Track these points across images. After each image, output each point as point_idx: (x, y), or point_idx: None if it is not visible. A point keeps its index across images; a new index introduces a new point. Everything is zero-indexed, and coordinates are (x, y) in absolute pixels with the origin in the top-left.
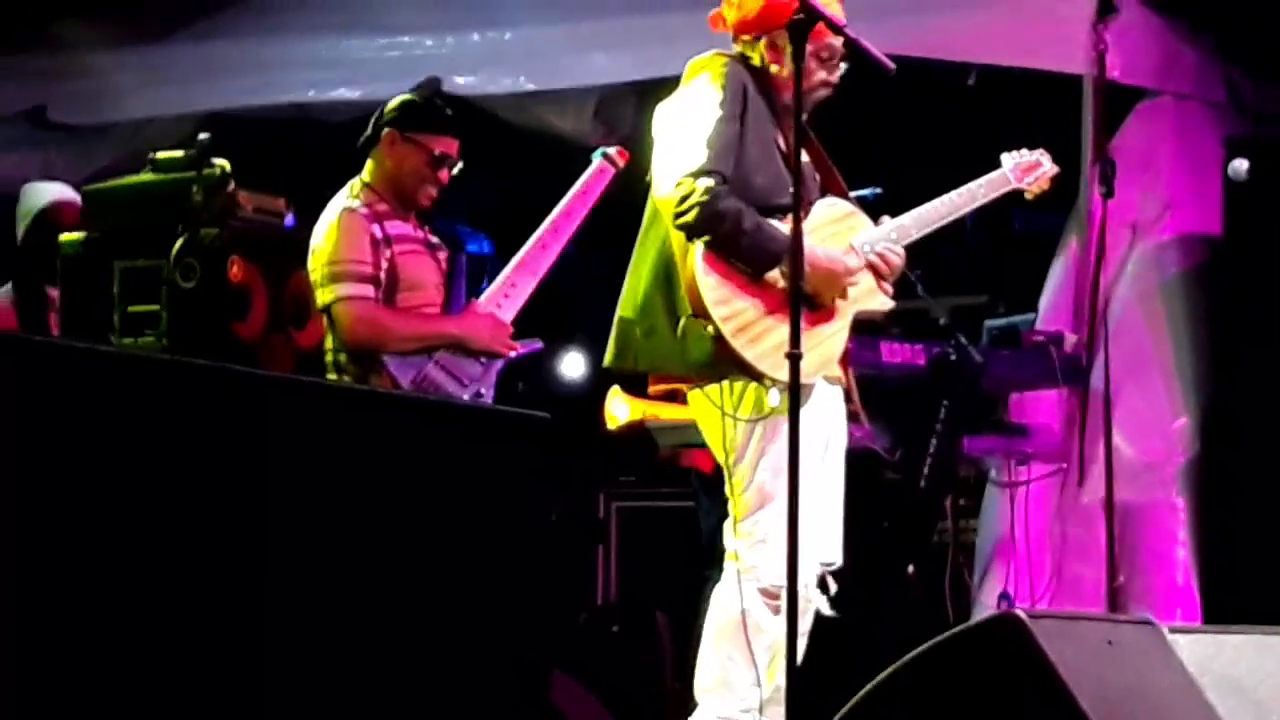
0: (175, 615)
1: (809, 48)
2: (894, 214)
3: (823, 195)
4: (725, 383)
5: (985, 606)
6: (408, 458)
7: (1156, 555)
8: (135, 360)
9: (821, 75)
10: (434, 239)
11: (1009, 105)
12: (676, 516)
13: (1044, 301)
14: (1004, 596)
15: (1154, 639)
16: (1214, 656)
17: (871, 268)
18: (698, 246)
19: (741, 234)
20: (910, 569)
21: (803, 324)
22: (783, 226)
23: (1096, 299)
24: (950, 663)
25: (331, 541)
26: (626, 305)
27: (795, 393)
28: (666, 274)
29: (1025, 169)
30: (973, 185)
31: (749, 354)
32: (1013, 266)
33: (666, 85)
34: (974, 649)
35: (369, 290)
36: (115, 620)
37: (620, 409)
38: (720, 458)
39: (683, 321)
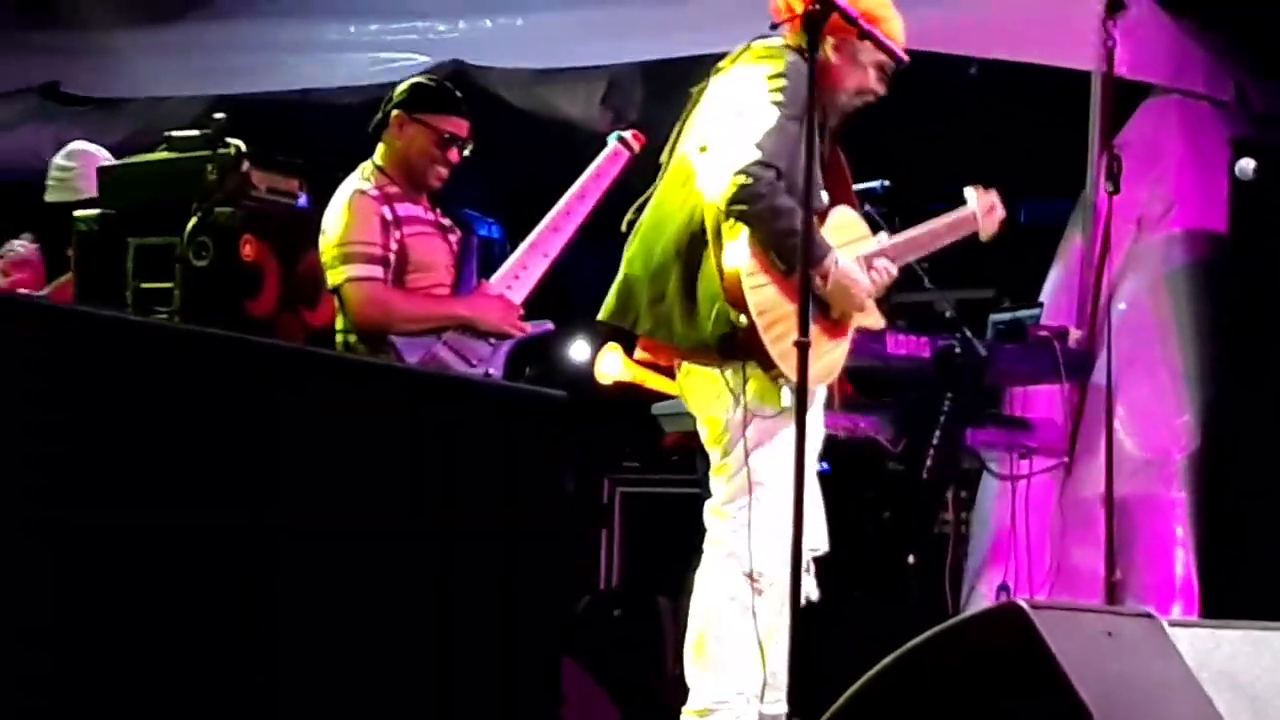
0: (187, 587)
1: (875, 57)
2: (897, 207)
3: (834, 202)
4: (734, 369)
5: (982, 597)
6: (426, 432)
7: (1156, 550)
8: (146, 328)
9: (872, 84)
10: (445, 221)
11: (1016, 98)
12: (680, 502)
13: (1048, 296)
14: (1003, 588)
15: (1154, 632)
16: (1212, 651)
17: (875, 288)
18: (743, 236)
19: (792, 233)
20: (911, 558)
21: (817, 333)
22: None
23: (1101, 294)
24: (952, 652)
25: (346, 516)
26: (636, 264)
27: (802, 379)
28: (690, 246)
29: (986, 208)
30: (940, 223)
31: (774, 350)
32: (1018, 260)
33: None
34: (976, 638)
35: (378, 271)
36: (124, 593)
37: (613, 366)
38: (713, 437)
39: (716, 305)
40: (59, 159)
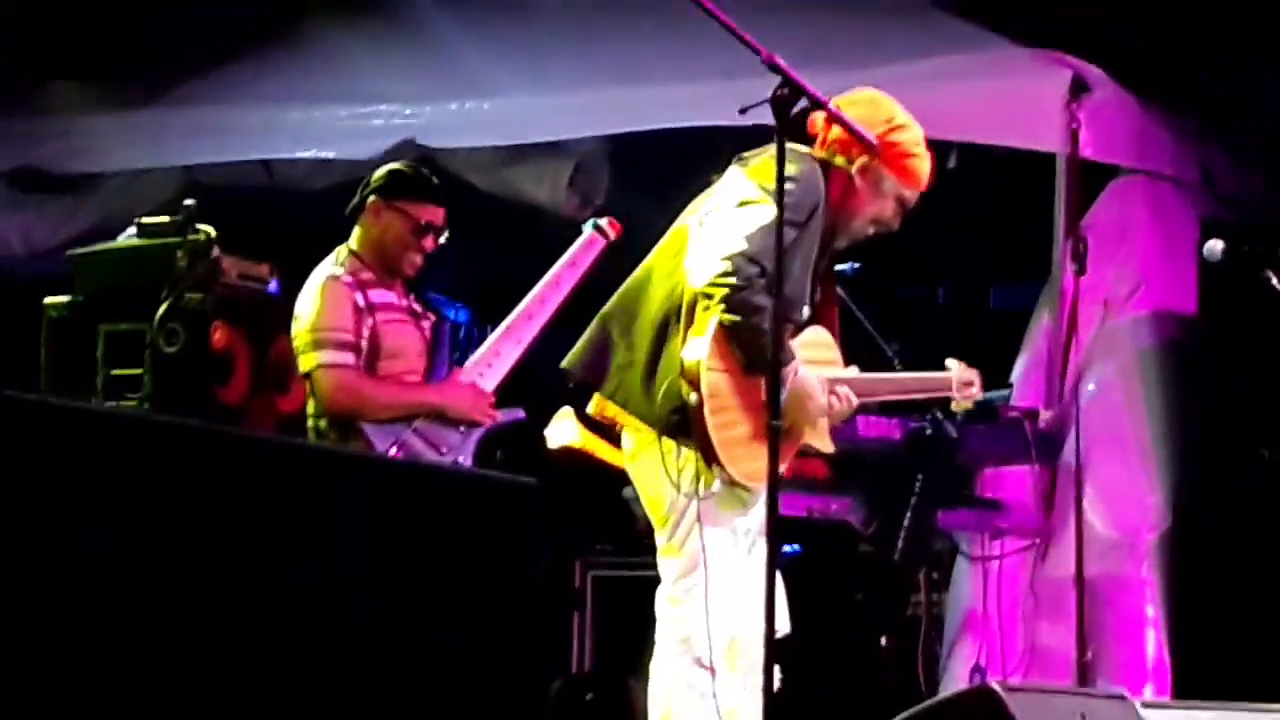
0: (154, 673)
1: (899, 191)
2: (867, 287)
3: (815, 321)
4: (676, 448)
5: (955, 678)
6: (395, 521)
7: (1127, 630)
8: (118, 419)
9: (890, 216)
10: (418, 307)
11: (986, 182)
12: (652, 585)
13: (1018, 377)
14: (977, 669)
15: (1127, 713)
16: None
17: (831, 410)
18: (709, 328)
19: (760, 333)
20: (884, 640)
21: (758, 438)
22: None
23: (1069, 375)
24: None
25: (315, 604)
26: (613, 323)
27: (774, 459)
28: (665, 321)
29: (964, 382)
30: (912, 378)
31: (716, 436)
32: (988, 342)
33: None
34: None
35: (349, 358)
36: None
37: (566, 432)
38: (657, 518)
39: (670, 380)
40: None
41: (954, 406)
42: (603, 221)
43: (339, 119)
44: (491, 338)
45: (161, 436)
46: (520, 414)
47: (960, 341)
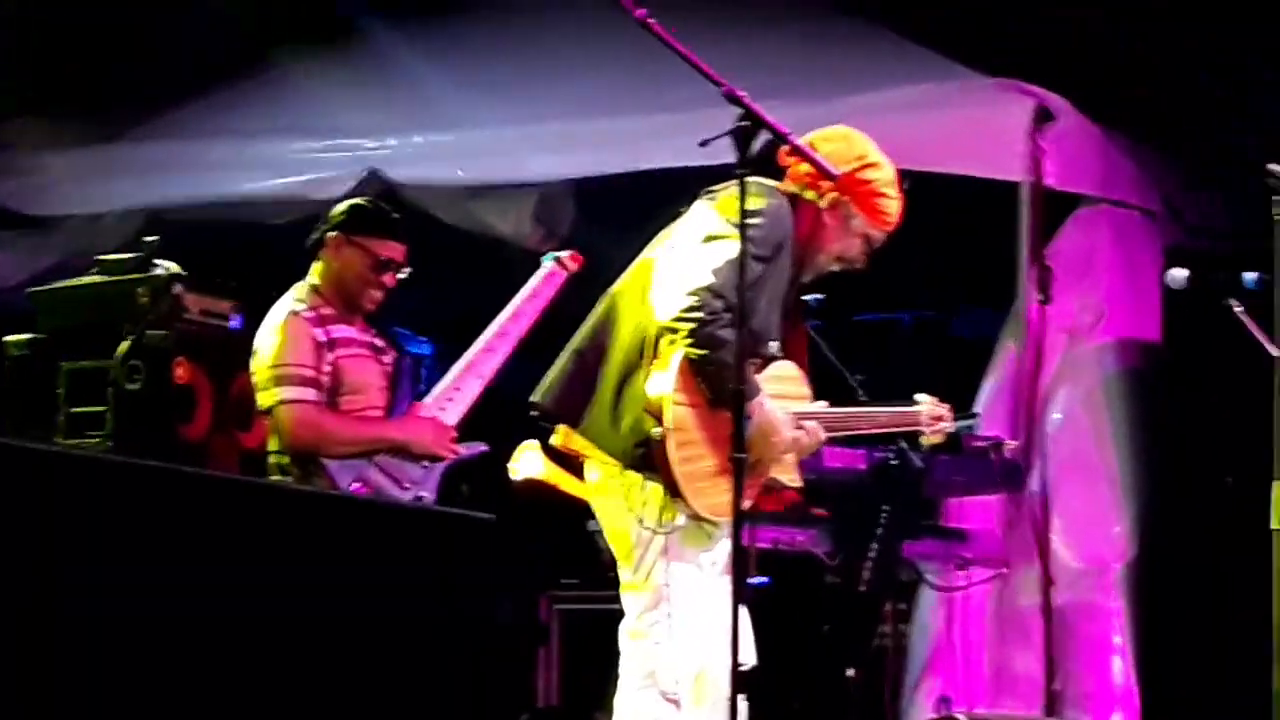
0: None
1: (868, 230)
2: (831, 314)
3: (784, 356)
4: (642, 482)
5: (922, 709)
6: (353, 558)
7: (1094, 658)
8: (78, 460)
9: (856, 254)
10: (379, 342)
11: (949, 210)
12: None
13: (983, 406)
14: (944, 700)
15: None
16: None
17: (797, 444)
18: (673, 363)
19: (726, 366)
20: (850, 672)
21: (722, 472)
22: (757, 377)
23: (1035, 404)
24: None
25: (276, 640)
26: (586, 356)
27: (738, 492)
28: (631, 354)
29: (934, 416)
30: (882, 412)
31: (679, 470)
32: (952, 372)
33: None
34: None
35: (310, 394)
36: None
37: (530, 465)
38: (622, 553)
39: (635, 414)
40: None
41: (923, 440)
42: (563, 254)
43: (303, 153)
44: (453, 372)
45: (111, 474)
46: (483, 448)
47: (925, 369)
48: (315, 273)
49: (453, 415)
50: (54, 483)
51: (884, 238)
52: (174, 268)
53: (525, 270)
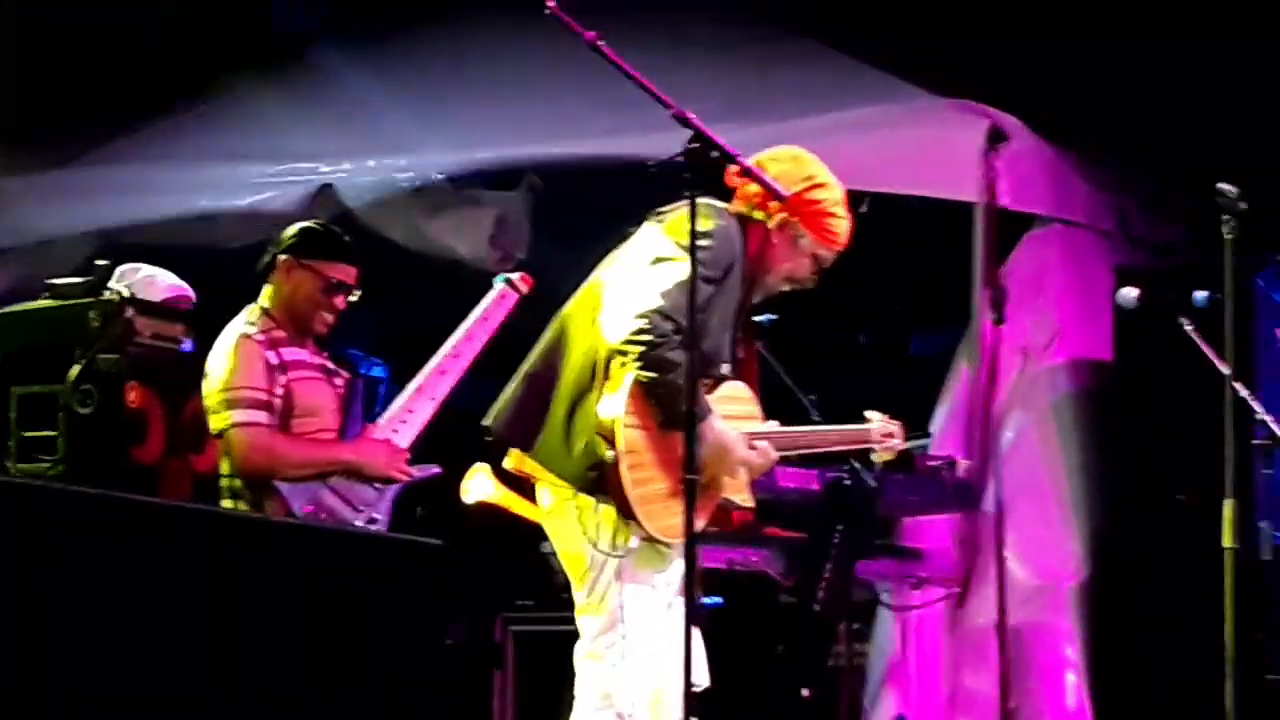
0: None
1: (817, 250)
2: (785, 333)
3: (735, 374)
4: (594, 505)
5: None
6: (302, 584)
7: (1049, 677)
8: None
9: (804, 274)
10: (331, 364)
11: (904, 231)
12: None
13: (936, 426)
14: (900, 719)
15: None
16: None
17: (749, 464)
18: (624, 386)
19: (678, 388)
20: (805, 692)
21: (675, 494)
22: (708, 398)
23: (989, 423)
24: None
25: (225, 666)
26: (536, 380)
27: (690, 511)
28: (582, 377)
29: (884, 434)
30: (833, 431)
31: (632, 493)
32: (908, 388)
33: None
34: None
35: (263, 417)
36: None
37: (482, 487)
38: (575, 575)
39: (587, 437)
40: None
41: (874, 458)
42: (514, 276)
43: (256, 176)
44: (405, 394)
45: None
46: (436, 470)
47: (880, 387)
48: (266, 295)
49: (405, 437)
50: None
51: (833, 258)
52: (125, 291)
53: (479, 291)
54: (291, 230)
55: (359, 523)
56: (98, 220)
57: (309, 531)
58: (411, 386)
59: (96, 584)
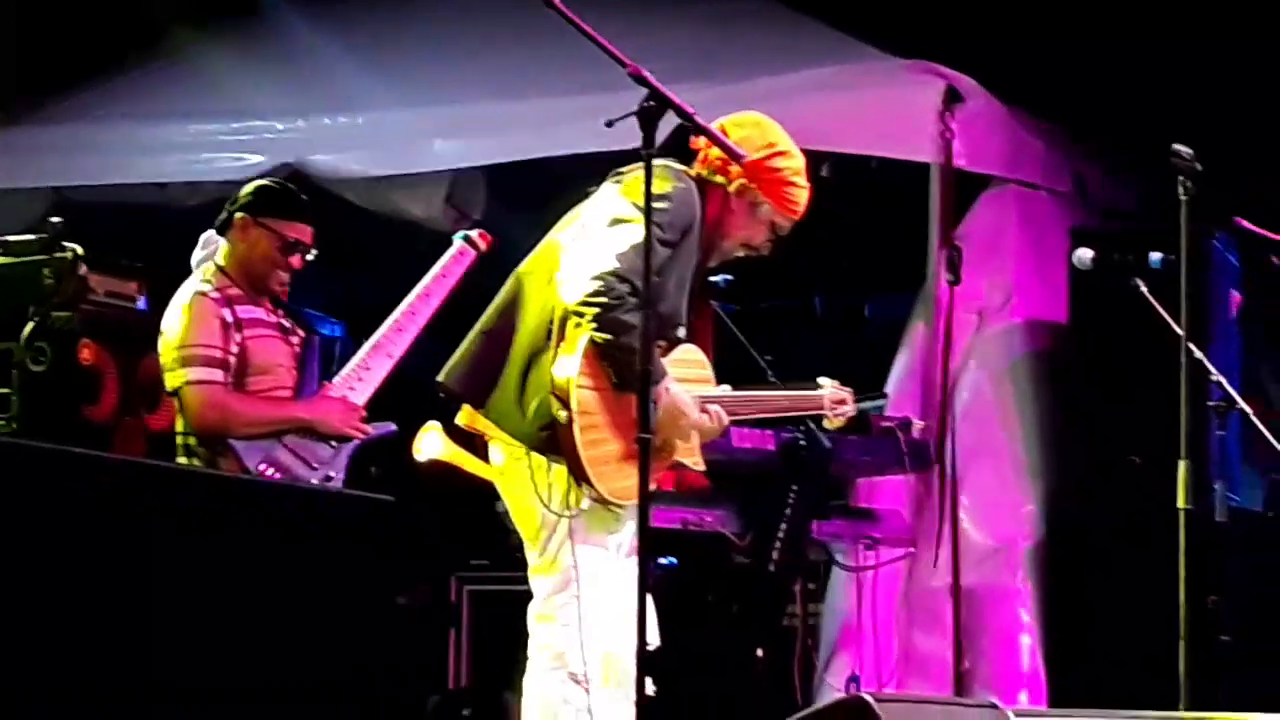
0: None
1: (774, 218)
2: (742, 298)
3: (689, 336)
4: (546, 465)
5: (833, 689)
6: (253, 540)
7: (1002, 638)
8: None
9: (760, 241)
10: (287, 322)
11: (861, 192)
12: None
13: (892, 387)
14: (853, 679)
15: None
16: None
17: (702, 428)
18: (579, 346)
19: (631, 350)
20: (759, 652)
21: (627, 456)
22: (663, 360)
23: (944, 384)
24: None
25: (175, 622)
26: (492, 338)
27: (644, 471)
28: (537, 337)
29: (836, 400)
30: (784, 395)
31: (585, 454)
32: (865, 352)
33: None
34: None
35: (218, 374)
36: None
37: (433, 445)
38: (528, 534)
39: (541, 397)
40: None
41: (826, 424)
42: (473, 233)
43: (211, 135)
44: (361, 352)
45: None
46: (391, 427)
47: (837, 351)
48: (222, 253)
49: (361, 395)
50: None
51: (790, 226)
52: (79, 249)
53: (439, 251)
54: (248, 189)
55: (315, 480)
56: (51, 179)
57: (260, 487)
58: (368, 344)
59: (51, 540)
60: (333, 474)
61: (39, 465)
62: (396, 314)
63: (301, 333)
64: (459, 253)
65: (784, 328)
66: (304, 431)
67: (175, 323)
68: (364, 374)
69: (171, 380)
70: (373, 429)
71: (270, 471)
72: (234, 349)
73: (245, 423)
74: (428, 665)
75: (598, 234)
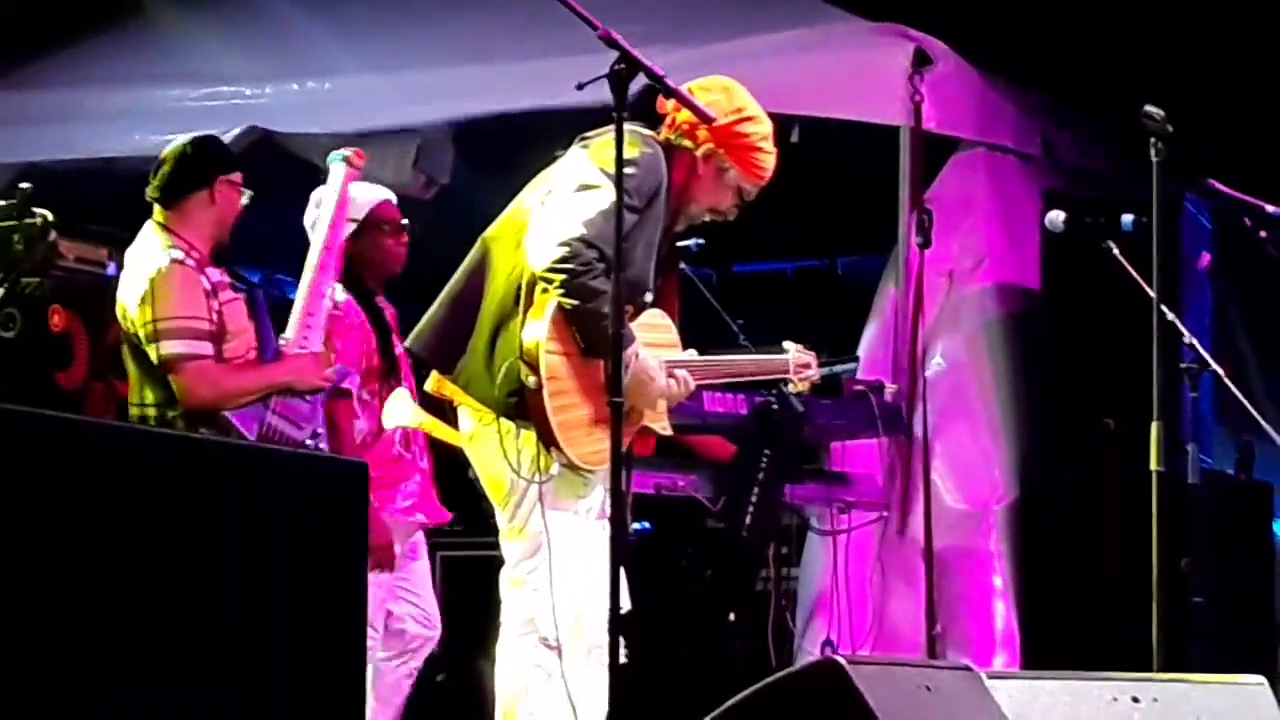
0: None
1: (741, 184)
2: (713, 262)
3: (655, 305)
4: (515, 430)
5: (808, 654)
6: (226, 504)
7: (976, 601)
8: None
9: (727, 206)
10: (239, 283)
11: (831, 156)
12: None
13: (863, 350)
14: (828, 643)
15: (972, 685)
16: (1030, 702)
17: (668, 394)
18: (547, 312)
19: (600, 316)
20: (732, 616)
21: (597, 421)
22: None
23: (916, 348)
24: (772, 708)
25: (153, 588)
26: (459, 302)
27: (617, 436)
28: (505, 302)
29: (800, 364)
30: (749, 360)
31: (555, 419)
32: (834, 315)
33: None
34: (795, 694)
35: (208, 348)
36: None
37: (402, 411)
38: (499, 500)
39: (509, 362)
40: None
41: (791, 389)
42: (348, 151)
43: (179, 100)
44: (299, 299)
45: None
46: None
47: (809, 315)
48: (184, 219)
49: (316, 341)
50: None
51: (756, 191)
52: (49, 215)
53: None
54: (209, 148)
55: (307, 441)
56: (19, 146)
57: (230, 450)
58: (303, 290)
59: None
60: (319, 429)
61: (11, 429)
62: (315, 255)
63: (244, 289)
64: (346, 177)
65: (756, 292)
66: (285, 392)
67: (143, 290)
68: (310, 320)
69: (156, 353)
70: (334, 375)
71: (267, 436)
72: (215, 318)
73: (235, 395)
74: None
75: (565, 199)
